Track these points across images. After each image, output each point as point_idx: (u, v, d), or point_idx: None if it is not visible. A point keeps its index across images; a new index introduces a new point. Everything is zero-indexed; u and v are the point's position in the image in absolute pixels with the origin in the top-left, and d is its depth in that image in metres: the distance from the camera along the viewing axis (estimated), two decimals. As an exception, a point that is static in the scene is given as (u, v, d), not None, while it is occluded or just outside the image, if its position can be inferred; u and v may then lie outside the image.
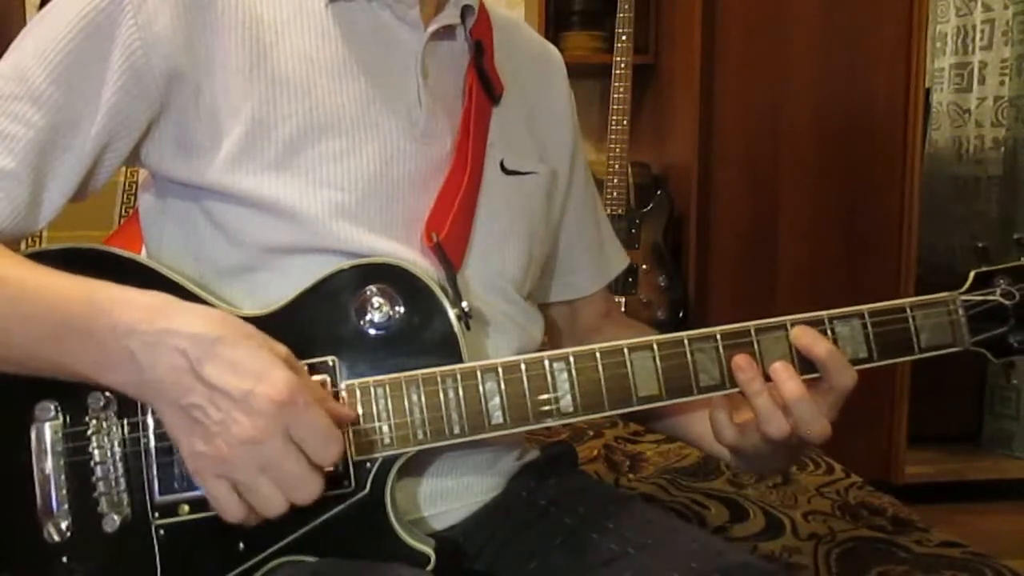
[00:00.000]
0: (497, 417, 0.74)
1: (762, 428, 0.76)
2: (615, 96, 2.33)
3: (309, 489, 0.65)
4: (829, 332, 0.77)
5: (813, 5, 2.42)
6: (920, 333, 0.79)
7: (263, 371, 0.63)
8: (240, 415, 0.62)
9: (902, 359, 0.79)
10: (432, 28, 0.84)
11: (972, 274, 0.80)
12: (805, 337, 0.76)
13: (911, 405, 2.52)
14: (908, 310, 0.79)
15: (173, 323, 0.64)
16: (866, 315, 0.78)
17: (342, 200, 0.78)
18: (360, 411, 0.72)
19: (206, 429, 0.63)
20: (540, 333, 0.94)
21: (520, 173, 0.90)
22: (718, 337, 0.76)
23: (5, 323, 0.67)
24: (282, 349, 0.67)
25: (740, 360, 0.76)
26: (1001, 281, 0.80)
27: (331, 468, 0.67)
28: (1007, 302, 0.79)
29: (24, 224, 0.74)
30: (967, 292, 0.80)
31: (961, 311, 0.79)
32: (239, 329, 0.66)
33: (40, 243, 1.41)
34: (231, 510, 0.65)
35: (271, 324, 0.70)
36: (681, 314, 2.34)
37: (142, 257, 0.82)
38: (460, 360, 0.75)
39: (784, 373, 0.75)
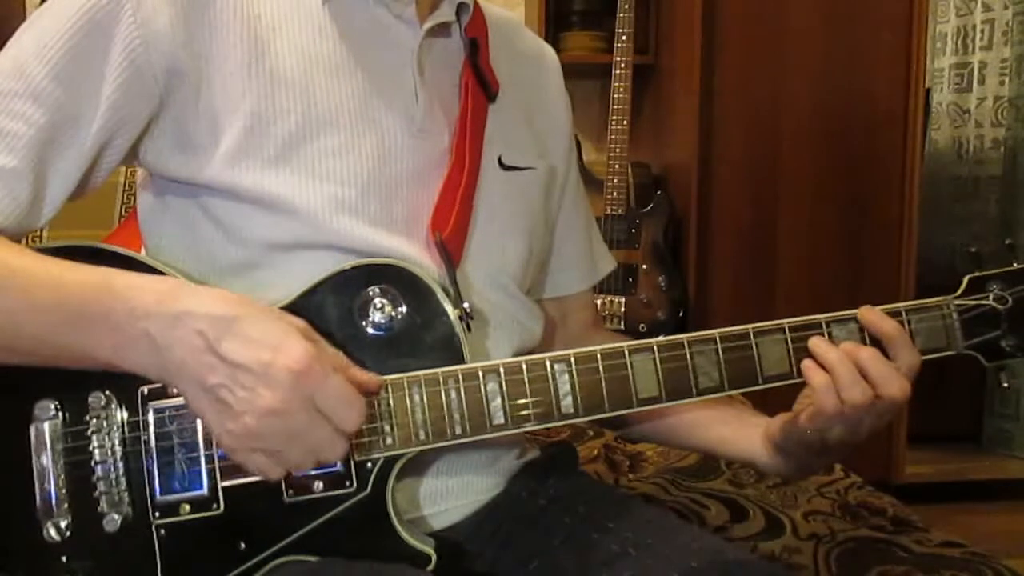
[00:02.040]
0: (499, 418, 0.74)
1: (845, 396, 0.76)
2: (615, 96, 2.33)
3: (337, 451, 0.67)
4: (826, 335, 0.78)
5: (813, 6, 2.42)
6: (915, 337, 0.80)
7: (279, 342, 0.64)
8: (263, 388, 0.63)
9: None
10: (427, 25, 0.84)
11: (966, 279, 0.82)
12: (872, 315, 0.78)
13: (911, 405, 2.48)
14: (903, 314, 0.80)
15: (189, 304, 0.65)
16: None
17: (342, 195, 0.78)
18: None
19: (232, 407, 0.64)
20: (540, 329, 0.94)
21: (518, 169, 0.91)
22: (717, 340, 0.77)
23: (16, 314, 0.68)
24: (300, 322, 0.68)
25: (814, 340, 0.78)
26: (994, 286, 0.81)
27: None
28: (1000, 307, 0.80)
29: (26, 221, 0.74)
30: (961, 296, 0.81)
31: (955, 315, 0.81)
32: (254, 306, 0.67)
33: (40, 243, 1.41)
34: (272, 476, 0.67)
35: (272, 324, 0.70)
36: (681, 314, 2.34)
37: (143, 255, 0.82)
38: (462, 361, 0.75)
39: (853, 344, 0.77)
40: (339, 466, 0.72)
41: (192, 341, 0.64)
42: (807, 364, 0.78)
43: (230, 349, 0.64)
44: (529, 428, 0.75)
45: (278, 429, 0.64)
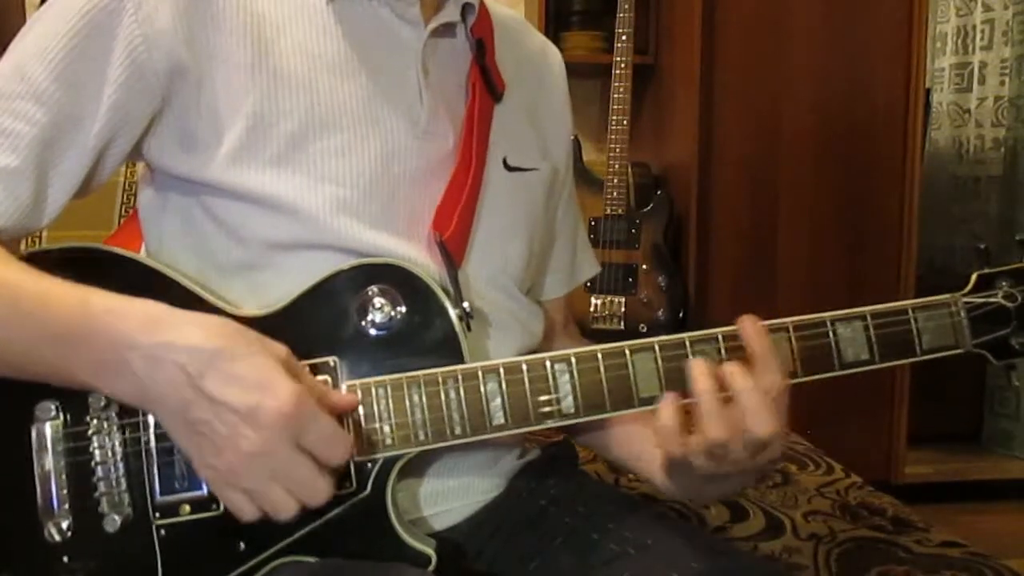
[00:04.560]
0: (499, 418, 0.74)
1: (704, 428, 0.71)
2: (615, 96, 2.33)
3: (320, 491, 0.66)
4: (831, 334, 0.77)
5: (813, 5, 2.42)
6: (922, 335, 0.78)
7: (267, 383, 0.63)
8: (247, 430, 0.62)
9: (904, 361, 0.79)
10: (432, 26, 0.84)
11: (974, 276, 0.80)
12: (748, 329, 0.74)
13: (911, 405, 2.52)
14: (910, 312, 0.79)
15: (171, 336, 0.64)
16: (868, 317, 0.78)
17: (344, 196, 0.78)
18: (361, 411, 0.72)
19: (214, 443, 0.64)
20: (541, 329, 0.94)
21: (523, 169, 0.90)
22: (720, 338, 0.76)
23: (5, 329, 0.67)
24: (281, 350, 0.67)
25: (695, 362, 0.73)
26: (1003, 283, 0.80)
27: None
28: (1009, 304, 0.79)
29: (28, 222, 0.74)
30: (969, 294, 0.80)
31: (963, 313, 0.79)
32: (238, 338, 0.66)
33: (40, 243, 1.41)
34: (247, 514, 0.66)
35: (272, 324, 0.70)
36: (681, 314, 2.34)
37: (143, 256, 0.82)
38: (462, 361, 0.75)
39: (736, 367, 0.72)
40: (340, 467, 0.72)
41: (173, 375, 0.63)
42: (663, 402, 0.74)
43: (213, 387, 0.63)
44: (529, 429, 0.75)
45: (260, 469, 0.64)
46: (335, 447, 0.66)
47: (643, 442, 0.87)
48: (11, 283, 0.68)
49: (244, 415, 0.62)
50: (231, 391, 0.63)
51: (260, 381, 0.63)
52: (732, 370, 0.72)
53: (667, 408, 0.73)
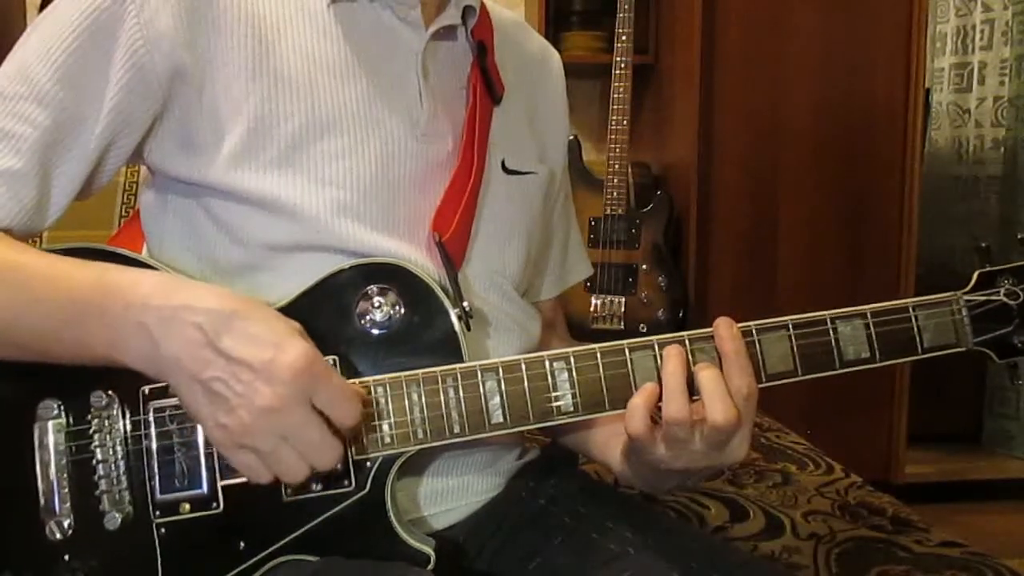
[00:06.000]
0: (497, 416, 0.74)
1: (664, 409, 0.72)
2: (615, 96, 2.34)
3: (331, 454, 0.66)
4: (831, 332, 0.77)
5: (813, 5, 2.42)
6: (923, 333, 0.78)
7: (281, 341, 0.64)
8: (261, 385, 0.63)
9: (905, 359, 0.79)
10: (433, 28, 0.84)
11: (976, 274, 0.80)
12: (721, 329, 0.74)
13: (911, 405, 2.53)
14: (911, 310, 0.78)
15: (188, 298, 0.65)
16: (868, 315, 0.78)
17: (344, 198, 0.78)
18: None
19: (227, 401, 0.64)
20: (539, 331, 0.94)
21: (521, 173, 0.90)
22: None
23: (18, 308, 0.68)
24: (296, 323, 0.68)
25: (669, 348, 0.74)
26: (1005, 281, 0.79)
27: (353, 426, 0.67)
28: (1011, 302, 0.79)
29: (32, 223, 0.74)
30: (970, 292, 0.79)
31: (964, 311, 0.79)
32: (252, 303, 0.67)
33: (41, 243, 1.41)
34: (259, 477, 0.66)
35: (272, 323, 0.70)
36: (681, 314, 2.35)
37: (145, 257, 0.83)
38: (461, 360, 0.75)
39: (706, 364, 0.73)
40: (338, 466, 0.72)
41: (189, 335, 0.64)
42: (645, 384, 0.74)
43: (230, 345, 0.63)
44: (528, 427, 0.75)
45: (272, 427, 0.64)
46: (348, 406, 0.66)
47: (611, 430, 0.86)
48: (23, 265, 0.69)
49: (259, 370, 0.63)
50: (248, 349, 0.63)
51: (274, 339, 0.64)
52: (700, 360, 0.74)
53: (644, 390, 0.74)
